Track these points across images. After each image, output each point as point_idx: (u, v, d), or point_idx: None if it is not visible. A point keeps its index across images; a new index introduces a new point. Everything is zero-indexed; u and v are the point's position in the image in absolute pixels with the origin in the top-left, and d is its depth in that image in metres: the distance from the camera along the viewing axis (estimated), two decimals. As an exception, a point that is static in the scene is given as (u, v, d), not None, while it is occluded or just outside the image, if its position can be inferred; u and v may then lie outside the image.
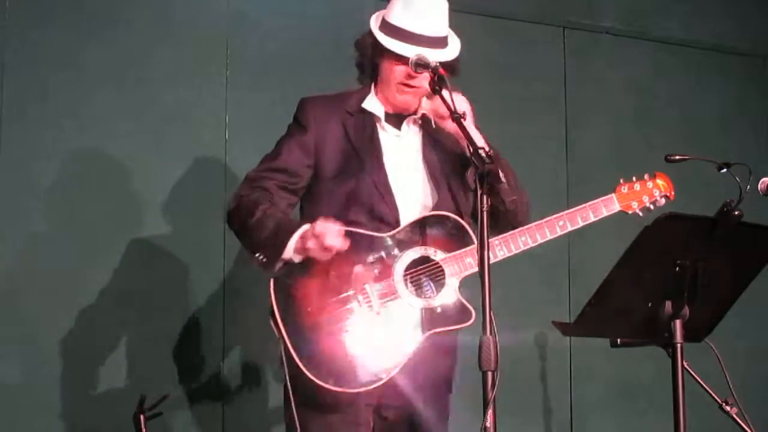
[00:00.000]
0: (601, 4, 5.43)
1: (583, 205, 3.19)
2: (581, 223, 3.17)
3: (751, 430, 3.34)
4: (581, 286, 4.88)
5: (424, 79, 3.10)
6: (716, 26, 5.69)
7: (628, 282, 2.87)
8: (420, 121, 3.24)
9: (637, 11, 5.51)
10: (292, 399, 3.01)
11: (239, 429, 4.38)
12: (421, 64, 3.05)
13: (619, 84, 5.46)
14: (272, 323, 3.01)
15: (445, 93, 2.98)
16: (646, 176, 3.29)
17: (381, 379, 2.97)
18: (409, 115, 3.22)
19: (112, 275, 4.26)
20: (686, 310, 2.91)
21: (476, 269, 3.01)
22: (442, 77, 3.00)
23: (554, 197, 5.15)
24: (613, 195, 3.24)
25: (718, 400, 3.38)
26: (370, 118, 3.21)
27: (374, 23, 3.20)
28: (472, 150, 2.83)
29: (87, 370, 4.18)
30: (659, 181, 3.30)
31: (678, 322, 2.91)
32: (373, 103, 3.22)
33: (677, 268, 2.86)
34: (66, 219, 4.25)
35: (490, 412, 2.63)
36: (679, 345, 2.91)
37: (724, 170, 3.16)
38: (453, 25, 3.24)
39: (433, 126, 3.22)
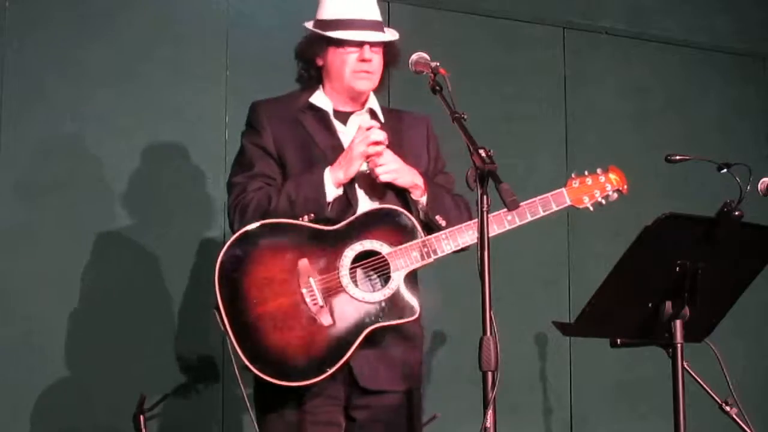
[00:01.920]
0: (601, 4, 5.44)
1: (533, 200, 3.12)
2: (530, 218, 3.11)
3: (751, 430, 3.34)
4: (581, 286, 4.89)
5: (378, 60, 3.18)
6: (716, 26, 5.69)
7: (628, 282, 2.86)
8: (367, 115, 3.26)
9: (636, 11, 5.51)
10: (248, 403, 3.07)
11: (239, 429, 4.38)
12: (421, 63, 3.07)
13: (618, 84, 5.46)
14: (217, 317, 3.01)
15: (445, 92, 2.98)
16: (598, 170, 3.22)
17: (325, 372, 2.97)
18: (354, 111, 3.25)
19: (112, 275, 4.26)
20: (686, 310, 2.90)
21: (422, 263, 3.05)
22: (442, 76, 3.00)
23: (554, 197, 5.15)
24: (563, 189, 3.17)
25: (718, 400, 3.37)
26: (320, 113, 3.24)
27: (310, 26, 3.24)
28: (472, 150, 2.82)
29: (87, 370, 4.18)
30: (612, 176, 3.23)
31: (678, 322, 2.91)
32: (321, 99, 3.25)
33: (677, 268, 2.86)
34: (65, 219, 4.24)
35: (490, 412, 2.63)
36: (679, 345, 2.91)
37: (724, 170, 3.15)
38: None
39: (382, 120, 3.25)
